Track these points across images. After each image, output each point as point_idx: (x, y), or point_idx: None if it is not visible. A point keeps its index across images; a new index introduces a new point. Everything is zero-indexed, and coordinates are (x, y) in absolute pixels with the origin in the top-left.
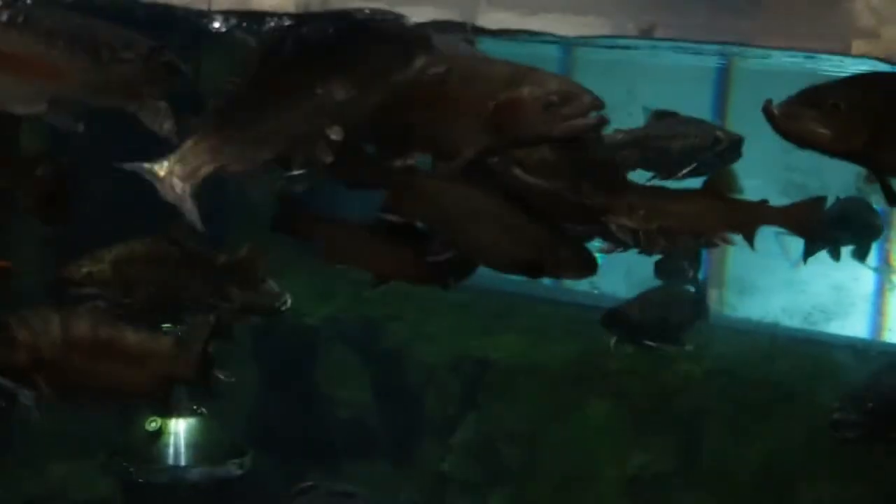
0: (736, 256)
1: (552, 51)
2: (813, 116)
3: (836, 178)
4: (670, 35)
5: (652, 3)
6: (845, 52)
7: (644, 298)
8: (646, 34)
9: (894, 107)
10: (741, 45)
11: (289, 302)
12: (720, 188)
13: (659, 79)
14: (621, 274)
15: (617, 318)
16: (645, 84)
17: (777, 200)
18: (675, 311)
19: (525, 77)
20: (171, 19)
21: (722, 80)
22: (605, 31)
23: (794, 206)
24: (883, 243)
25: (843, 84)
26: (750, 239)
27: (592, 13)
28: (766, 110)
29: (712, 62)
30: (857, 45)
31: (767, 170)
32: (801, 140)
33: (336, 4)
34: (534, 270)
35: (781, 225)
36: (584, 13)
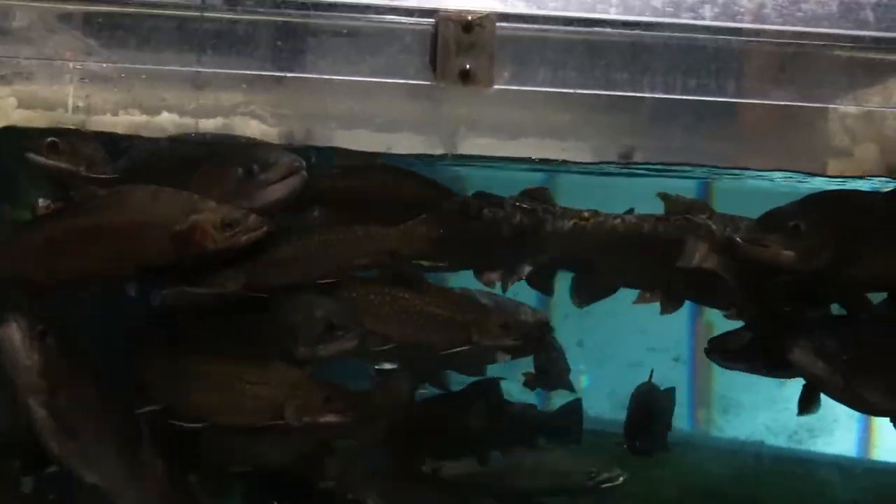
0: (721, 374)
1: (533, 176)
2: (776, 240)
3: None
4: (649, 158)
5: (630, 127)
6: (822, 172)
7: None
8: (625, 158)
9: (854, 222)
10: (717, 166)
11: None
12: None
13: (642, 200)
14: (605, 393)
15: None
16: (626, 206)
17: None
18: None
19: None
20: None
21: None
22: (585, 155)
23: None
24: None
25: (802, 204)
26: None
27: (571, 138)
28: (731, 240)
29: (693, 182)
30: (833, 165)
31: None
32: (767, 265)
33: (319, 136)
34: None
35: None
36: (562, 138)
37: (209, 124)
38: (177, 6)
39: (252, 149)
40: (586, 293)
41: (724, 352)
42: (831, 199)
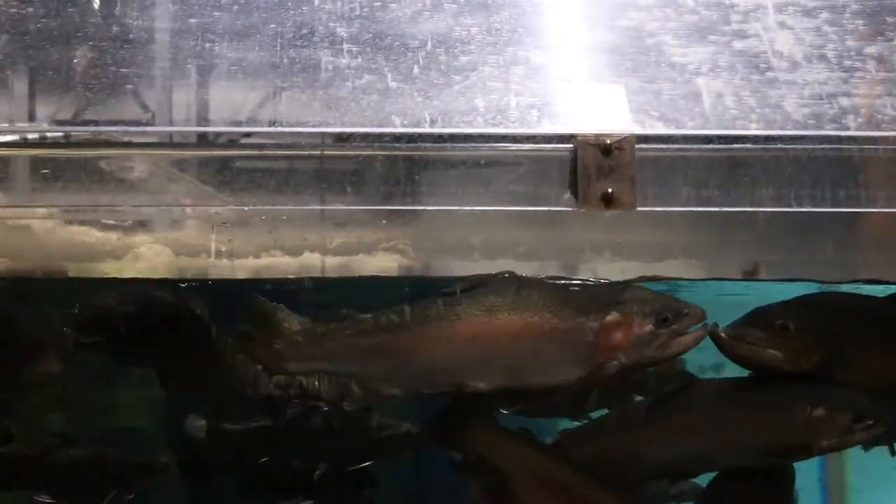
0: (855, 463)
1: None
2: (761, 338)
3: None
4: (775, 275)
5: (751, 243)
6: None
7: None
8: (749, 276)
9: (847, 325)
10: (841, 280)
11: None
12: None
13: None
14: None
15: None
16: None
17: None
18: None
19: None
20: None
21: None
22: (705, 273)
23: None
24: None
25: (793, 304)
26: None
27: (693, 257)
28: (713, 334)
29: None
30: None
31: None
32: (751, 363)
33: (437, 268)
34: None
35: None
36: (706, 257)
37: (355, 262)
38: (315, 146)
39: (655, 296)
40: None
41: None
42: (824, 300)
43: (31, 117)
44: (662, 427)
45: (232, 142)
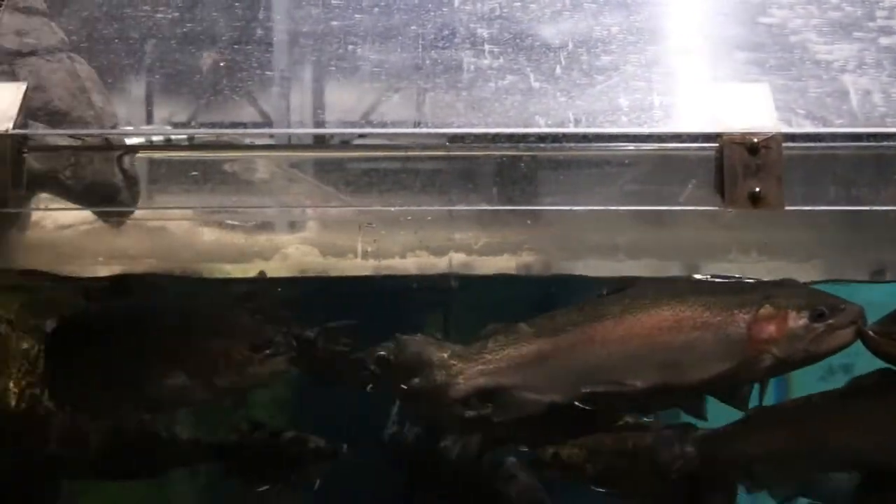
0: None
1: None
2: None
3: None
4: None
5: (876, 243)
6: None
7: None
8: (876, 277)
9: None
10: None
11: None
12: None
13: None
14: None
15: None
16: None
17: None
18: None
19: None
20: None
21: None
22: (827, 275)
23: None
24: None
25: None
26: None
27: (816, 258)
28: (862, 333)
29: None
30: None
31: None
32: None
33: (559, 267)
34: None
35: None
36: (854, 256)
37: (496, 262)
38: (459, 147)
39: (811, 291)
40: None
41: None
42: None
43: (149, 118)
44: (858, 417)
45: (345, 143)
